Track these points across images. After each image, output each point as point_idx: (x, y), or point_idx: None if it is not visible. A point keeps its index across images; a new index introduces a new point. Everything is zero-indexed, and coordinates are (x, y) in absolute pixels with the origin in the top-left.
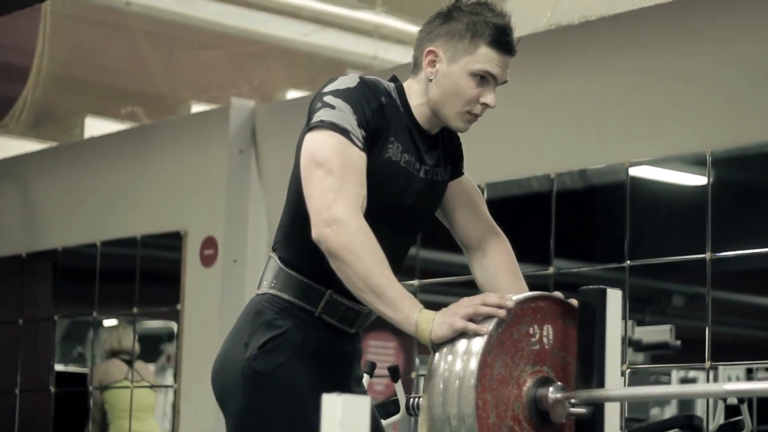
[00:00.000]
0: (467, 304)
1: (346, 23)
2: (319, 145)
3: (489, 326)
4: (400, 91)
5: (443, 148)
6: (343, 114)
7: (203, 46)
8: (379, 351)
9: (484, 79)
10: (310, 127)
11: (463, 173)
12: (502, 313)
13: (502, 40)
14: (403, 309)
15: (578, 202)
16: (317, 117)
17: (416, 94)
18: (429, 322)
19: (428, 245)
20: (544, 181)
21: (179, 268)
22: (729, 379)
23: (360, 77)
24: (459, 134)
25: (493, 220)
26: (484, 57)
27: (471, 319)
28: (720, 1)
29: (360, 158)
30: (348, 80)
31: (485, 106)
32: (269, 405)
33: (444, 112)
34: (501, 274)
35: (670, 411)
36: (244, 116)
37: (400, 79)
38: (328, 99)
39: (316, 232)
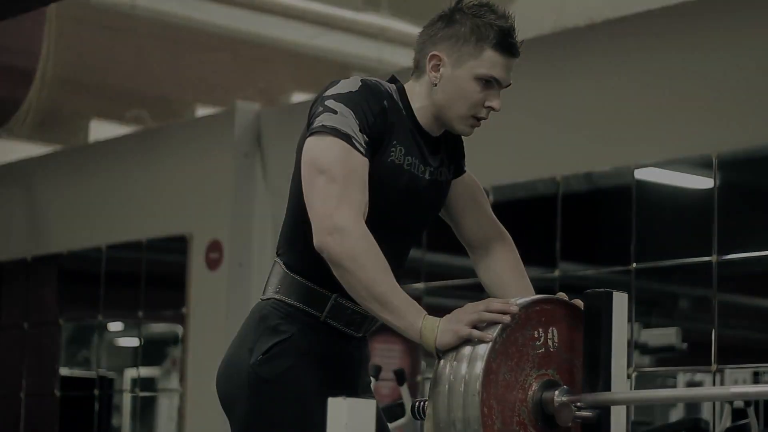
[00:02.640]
0: (471, 311)
1: (351, 26)
2: (321, 150)
3: (493, 332)
4: (402, 92)
5: (446, 147)
6: (345, 119)
7: (208, 49)
8: (385, 354)
9: (489, 83)
10: (311, 132)
11: (465, 171)
12: (507, 318)
13: (506, 42)
14: (407, 316)
15: (584, 205)
16: (319, 122)
17: (418, 97)
18: (433, 330)
19: (434, 248)
20: (549, 184)
21: (184, 272)
22: (735, 382)
23: (362, 80)
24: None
25: (496, 219)
26: (490, 61)
27: (475, 326)
28: (726, 5)
29: (362, 164)
30: (350, 83)
31: (490, 109)
32: (274, 411)
33: (449, 116)
34: (505, 273)
35: (677, 414)
36: (250, 119)
37: (399, 80)
38: (329, 103)
39: (318, 240)
